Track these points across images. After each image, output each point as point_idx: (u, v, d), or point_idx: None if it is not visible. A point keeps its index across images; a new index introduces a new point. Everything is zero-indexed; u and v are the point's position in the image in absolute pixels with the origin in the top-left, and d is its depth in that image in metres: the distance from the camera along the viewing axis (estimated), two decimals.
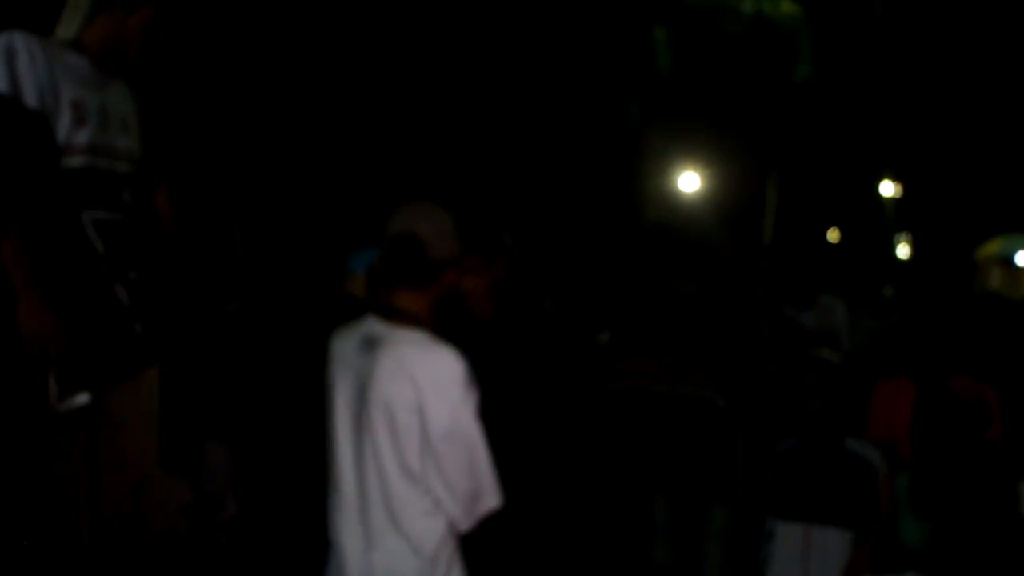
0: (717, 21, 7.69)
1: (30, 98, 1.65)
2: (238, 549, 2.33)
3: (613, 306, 3.06)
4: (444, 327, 1.90)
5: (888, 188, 12.08)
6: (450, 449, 1.43)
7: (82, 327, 1.66)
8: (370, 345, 1.47)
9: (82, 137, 1.72)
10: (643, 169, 8.48)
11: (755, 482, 2.57)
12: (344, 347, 1.54)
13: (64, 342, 1.60)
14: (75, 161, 1.71)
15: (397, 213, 1.56)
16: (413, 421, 1.44)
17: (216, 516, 2.31)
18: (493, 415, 1.61)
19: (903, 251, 13.72)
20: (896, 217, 12.72)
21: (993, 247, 2.98)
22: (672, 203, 9.29)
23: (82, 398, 1.58)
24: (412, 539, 1.43)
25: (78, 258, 1.71)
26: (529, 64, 7.69)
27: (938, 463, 1.62)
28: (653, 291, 3.09)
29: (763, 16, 7.72)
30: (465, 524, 1.47)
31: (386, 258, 1.52)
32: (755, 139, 9.65)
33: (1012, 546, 1.52)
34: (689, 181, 10.49)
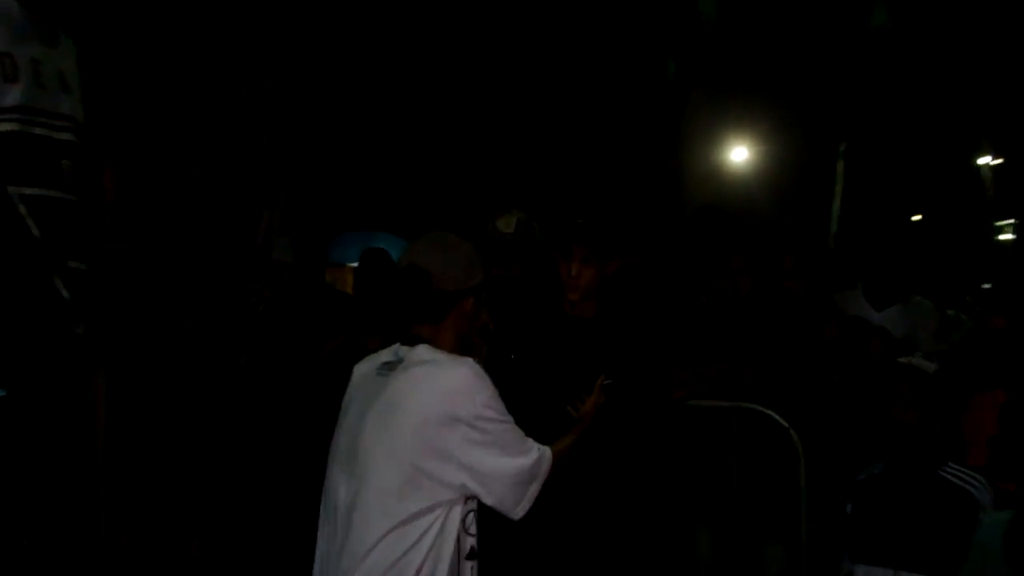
0: None
1: None
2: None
3: (653, 305, 3.05)
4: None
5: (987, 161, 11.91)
6: (476, 455, 1.64)
7: (9, 324, 1.66)
8: (388, 367, 1.71)
9: (11, 97, 1.72)
10: (685, 141, 8.43)
11: (826, 516, 2.54)
12: (363, 370, 1.78)
13: None
14: (2, 125, 1.72)
15: (409, 245, 1.79)
16: (425, 430, 1.63)
17: (177, 556, 2.33)
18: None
19: (1006, 237, 13.51)
20: (997, 197, 12.55)
21: None
22: (720, 182, 9.24)
23: None
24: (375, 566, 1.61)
25: (4, 241, 1.71)
26: (551, 13, 7.64)
27: None
28: (700, 287, 3.08)
29: None
30: (515, 513, 1.70)
31: (397, 292, 1.74)
32: (820, 103, 9.53)
33: None
34: (740, 155, 10.43)
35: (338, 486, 1.68)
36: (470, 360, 1.69)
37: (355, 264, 4.68)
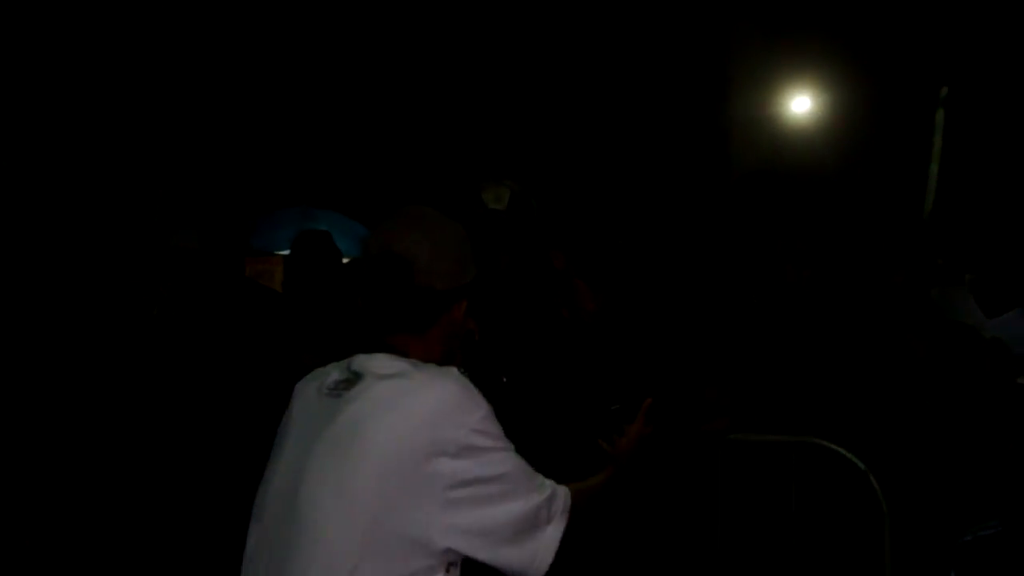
0: None
1: None
2: None
3: (685, 300, 3.07)
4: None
5: None
6: (467, 501, 1.62)
7: None
8: (343, 385, 1.70)
9: None
10: (733, 89, 8.48)
11: None
12: (306, 392, 1.78)
13: None
14: None
15: (378, 226, 1.77)
16: (395, 471, 1.59)
17: None
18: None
19: None
20: None
21: None
22: (775, 141, 9.29)
23: None
24: None
25: None
26: None
27: None
28: (747, 276, 3.13)
29: None
30: (531, 573, 1.70)
31: (364, 290, 1.75)
32: (911, 32, 9.57)
33: None
34: (802, 105, 10.48)
35: (266, 551, 1.65)
36: (453, 370, 1.68)
37: (286, 252, 4.70)
